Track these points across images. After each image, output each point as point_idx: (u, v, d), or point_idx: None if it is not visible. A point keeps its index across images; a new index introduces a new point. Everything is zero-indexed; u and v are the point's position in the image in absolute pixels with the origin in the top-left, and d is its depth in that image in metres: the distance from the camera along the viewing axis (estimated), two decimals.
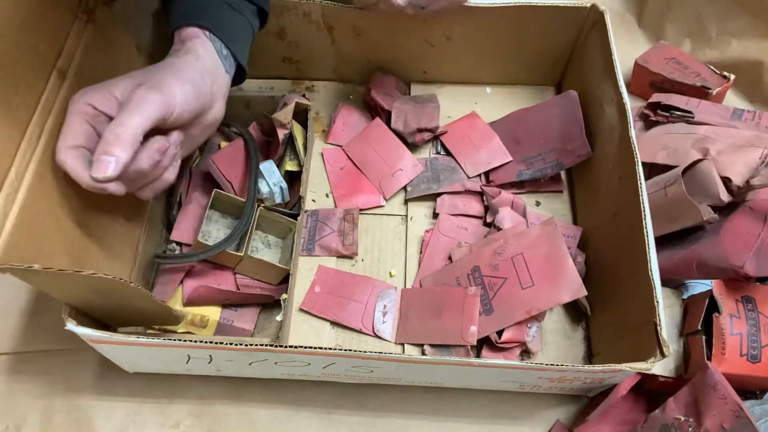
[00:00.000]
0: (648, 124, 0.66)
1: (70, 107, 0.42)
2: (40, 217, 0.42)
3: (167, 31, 0.50)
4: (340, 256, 0.60)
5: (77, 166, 0.41)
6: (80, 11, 0.48)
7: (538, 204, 0.64)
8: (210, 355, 0.46)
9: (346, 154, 0.66)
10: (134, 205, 0.53)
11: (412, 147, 0.66)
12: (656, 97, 0.66)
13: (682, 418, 0.45)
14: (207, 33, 0.48)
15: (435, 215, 0.62)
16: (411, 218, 0.63)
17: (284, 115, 0.59)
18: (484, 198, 0.62)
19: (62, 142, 0.41)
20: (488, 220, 0.61)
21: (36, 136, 0.42)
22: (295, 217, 0.57)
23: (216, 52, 0.48)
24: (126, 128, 0.40)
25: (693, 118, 0.63)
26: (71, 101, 0.43)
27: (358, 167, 0.65)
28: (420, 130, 0.65)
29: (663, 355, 0.43)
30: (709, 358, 0.47)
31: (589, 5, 0.62)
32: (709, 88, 0.66)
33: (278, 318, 0.52)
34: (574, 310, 0.58)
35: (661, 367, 0.50)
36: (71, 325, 0.42)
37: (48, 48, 0.44)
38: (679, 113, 0.64)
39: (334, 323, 0.56)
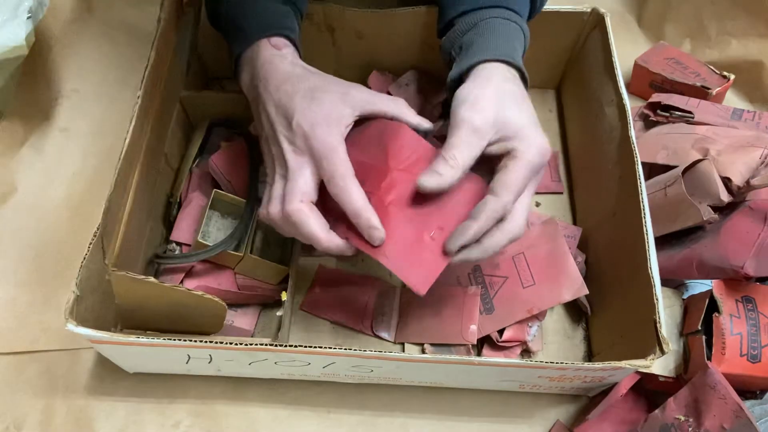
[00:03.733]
0: (648, 124, 0.66)
1: (323, 142, 0.42)
2: (128, 225, 0.45)
3: (242, 43, 0.50)
4: (340, 257, 0.60)
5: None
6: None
7: (538, 204, 0.64)
8: (210, 355, 0.46)
9: None
10: (143, 207, 0.54)
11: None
12: (656, 97, 0.66)
13: (682, 418, 0.45)
14: (290, 42, 0.49)
15: None
16: None
17: None
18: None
19: (355, 190, 0.42)
20: None
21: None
22: None
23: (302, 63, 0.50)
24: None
25: (693, 118, 0.63)
26: (318, 137, 0.43)
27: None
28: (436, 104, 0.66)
29: (663, 352, 0.43)
30: (709, 358, 0.47)
31: (589, 9, 0.62)
32: (708, 88, 0.66)
33: (278, 313, 0.52)
34: (574, 310, 0.58)
35: (661, 366, 0.50)
36: (71, 325, 0.42)
37: None
38: (679, 113, 0.64)
39: (334, 323, 0.56)
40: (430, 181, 0.42)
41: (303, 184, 0.43)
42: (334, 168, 0.42)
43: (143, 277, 0.43)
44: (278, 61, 0.47)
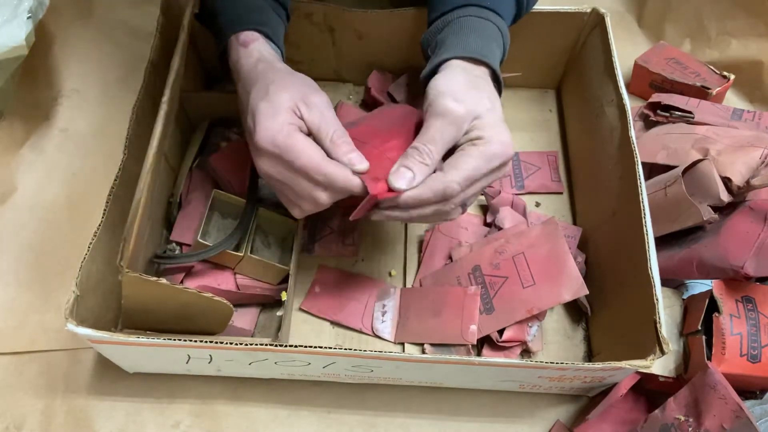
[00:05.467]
0: (648, 124, 0.66)
1: (276, 141, 0.42)
2: (138, 230, 0.45)
3: (220, 39, 0.51)
4: (340, 256, 0.60)
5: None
6: None
7: (537, 204, 0.64)
8: (210, 355, 0.46)
9: None
10: (145, 208, 0.54)
11: None
12: (656, 97, 0.66)
13: (682, 418, 0.45)
14: (263, 36, 0.50)
15: None
16: None
17: None
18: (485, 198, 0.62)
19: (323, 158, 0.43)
20: (488, 220, 0.61)
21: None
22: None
23: (273, 53, 0.50)
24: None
25: (693, 118, 0.63)
26: (270, 137, 0.43)
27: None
28: None
29: (663, 353, 0.43)
30: (709, 358, 0.47)
31: (589, 10, 0.62)
32: (708, 88, 0.66)
33: (278, 313, 0.52)
34: (574, 310, 0.58)
35: (661, 367, 0.50)
36: (71, 325, 0.42)
37: None
38: (679, 113, 0.64)
39: (334, 323, 0.56)
40: (400, 182, 0.42)
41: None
42: (303, 164, 0.42)
43: (156, 278, 0.43)
44: (244, 60, 0.48)
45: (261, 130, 0.43)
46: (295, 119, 0.43)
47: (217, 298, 0.46)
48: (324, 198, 0.44)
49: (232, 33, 0.49)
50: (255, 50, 0.49)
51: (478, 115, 0.44)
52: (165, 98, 0.48)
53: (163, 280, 0.44)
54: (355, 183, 0.43)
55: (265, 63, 0.48)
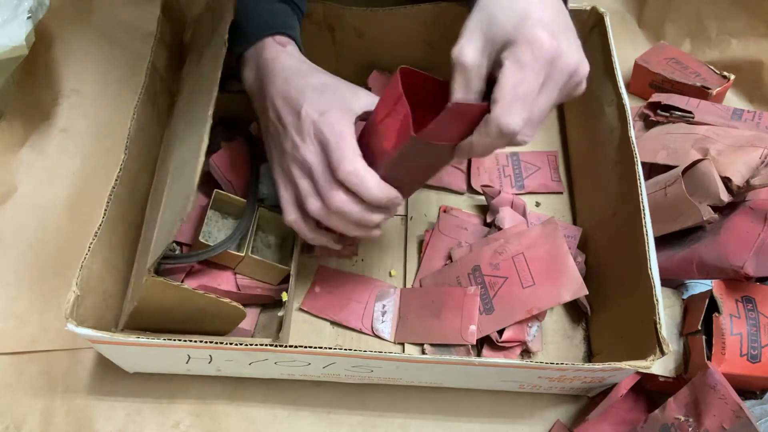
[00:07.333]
0: (648, 124, 0.66)
1: (332, 127, 0.42)
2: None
3: (245, 40, 0.50)
4: (340, 256, 0.60)
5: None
6: None
7: (537, 204, 0.64)
8: (210, 355, 0.46)
9: None
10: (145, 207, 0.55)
11: None
12: (656, 97, 0.66)
13: (682, 418, 0.45)
14: (292, 41, 0.50)
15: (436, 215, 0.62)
16: (411, 218, 0.63)
17: None
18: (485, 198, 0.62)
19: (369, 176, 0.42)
20: (488, 219, 0.61)
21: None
22: None
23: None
24: None
25: (693, 118, 0.63)
26: (328, 122, 0.43)
27: None
28: None
29: (663, 353, 0.43)
30: (709, 358, 0.47)
31: (588, 8, 0.62)
32: (709, 88, 0.66)
33: (279, 314, 0.52)
34: (574, 310, 0.58)
35: (661, 367, 0.50)
36: (71, 325, 0.42)
37: None
38: (679, 113, 0.64)
39: (334, 323, 0.56)
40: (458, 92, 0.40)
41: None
42: (342, 152, 0.42)
43: (178, 283, 0.44)
44: (285, 57, 0.48)
45: (345, 141, 0.42)
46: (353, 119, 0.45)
47: (234, 303, 0.46)
48: (339, 197, 0.43)
49: (266, 35, 0.49)
50: (295, 51, 0.49)
51: (513, 26, 0.38)
52: (209, 112, 0.47)
53: (186, 285, 0.44)
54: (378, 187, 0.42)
55: (309, 64, 0.49)
